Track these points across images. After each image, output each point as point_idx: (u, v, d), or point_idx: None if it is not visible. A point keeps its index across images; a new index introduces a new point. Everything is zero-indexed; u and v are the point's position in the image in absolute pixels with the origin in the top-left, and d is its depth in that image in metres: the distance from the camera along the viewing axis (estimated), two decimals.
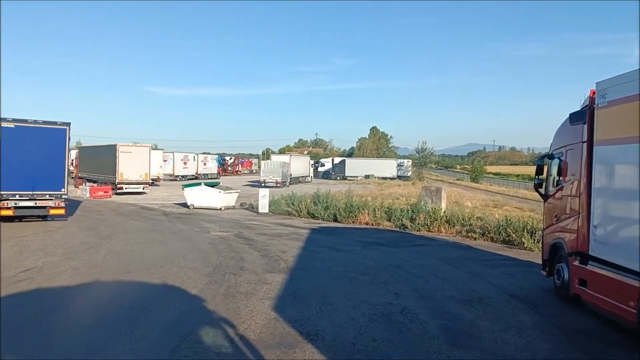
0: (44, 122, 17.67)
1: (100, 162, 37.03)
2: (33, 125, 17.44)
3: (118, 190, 34.15)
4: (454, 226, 18.37)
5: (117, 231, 16.70)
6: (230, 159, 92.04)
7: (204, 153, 75.14)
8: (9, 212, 17.09)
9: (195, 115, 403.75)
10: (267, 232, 17.51)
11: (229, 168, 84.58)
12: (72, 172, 45.45)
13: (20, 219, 18.21)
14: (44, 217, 18.67)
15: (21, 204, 17.36)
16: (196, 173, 63.37)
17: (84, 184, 38.56)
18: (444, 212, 19.70)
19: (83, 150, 42.56)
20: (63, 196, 18.12)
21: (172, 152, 60.53)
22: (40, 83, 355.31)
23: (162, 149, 61.79)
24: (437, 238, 17.15)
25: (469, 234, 17.32)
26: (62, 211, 18.19)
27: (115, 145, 34.63)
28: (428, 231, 18.50)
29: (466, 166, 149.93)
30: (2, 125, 16.85)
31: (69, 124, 18.07)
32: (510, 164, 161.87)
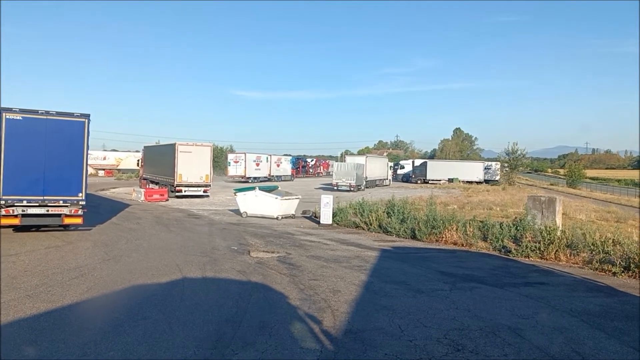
0: (58, 114, 14.66)
1: (161, 162, 34.81)
2: (44, 117, 14.48)
3: (177, 194, 31.60)
4: (578, 253, 13.32)
5: (134, 249, 13.35)
6: (312, 160, 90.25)
7: (285, 155, 73.17)
8: (15, 221, 14.26)
9: (278, 118, 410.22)
10: (322, 254, 13.46)
11: (310, 170, 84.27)
12: (139, 173, 44.28)
13: (37, 228, 15.48)
14: (66, 227, 15.81)
15: (30, 211, 14.44)
16: (269, 175, 60.95)
17: (148, 186, 36.67)
18: (562, 231, 14.64)
19: (147, 150, 40.74)
20: (80, 202, 15.04)
21: (244, 153, 58.17)
22: (133, 88, 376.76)
23: (227, 149, 60.22)
24: (556, 271, 12.21)
25: (604, 266, 12.23)
26: (79, 220, 15.14)
27: (174, 144, 32.11)
28: (541, 258, 13.54)
29: (559, 170, 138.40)
30: (7, 116, 13.98)
31: (88, 116, 15.02)
32: (606, 168, 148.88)
